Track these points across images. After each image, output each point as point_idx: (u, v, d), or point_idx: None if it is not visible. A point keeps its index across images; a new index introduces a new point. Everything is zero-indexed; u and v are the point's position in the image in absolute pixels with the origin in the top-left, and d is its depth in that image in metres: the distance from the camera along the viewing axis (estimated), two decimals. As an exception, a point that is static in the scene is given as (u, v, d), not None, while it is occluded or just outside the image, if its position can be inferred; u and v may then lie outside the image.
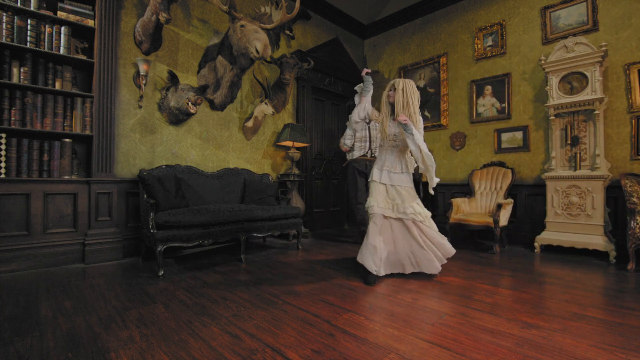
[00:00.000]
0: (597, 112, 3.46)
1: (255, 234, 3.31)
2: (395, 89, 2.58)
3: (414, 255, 2.59)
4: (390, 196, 2.59)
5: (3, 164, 2.68)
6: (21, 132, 2.79)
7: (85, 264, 2.97)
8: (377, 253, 2.51)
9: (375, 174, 2.69)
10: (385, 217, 2.58)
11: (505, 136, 4.47)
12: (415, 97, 2.56)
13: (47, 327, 1.68)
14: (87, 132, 3.06)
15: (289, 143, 4.50)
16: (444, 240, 2.63)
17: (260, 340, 1.56)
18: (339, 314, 1.89)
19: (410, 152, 2.57)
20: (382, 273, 2.55)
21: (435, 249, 2.63)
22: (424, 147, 2.44)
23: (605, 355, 1.46)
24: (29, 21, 2.80)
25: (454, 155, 5.00)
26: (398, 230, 2.60)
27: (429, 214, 2.63)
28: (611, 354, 1.47)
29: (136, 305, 2.00)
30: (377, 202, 2.57)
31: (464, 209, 4.20)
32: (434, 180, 2.51)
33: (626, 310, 2.01)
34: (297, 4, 3.57)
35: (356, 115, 2.78)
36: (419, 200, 2.62)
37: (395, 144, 2.66)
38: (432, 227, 2.64)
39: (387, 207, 2.57)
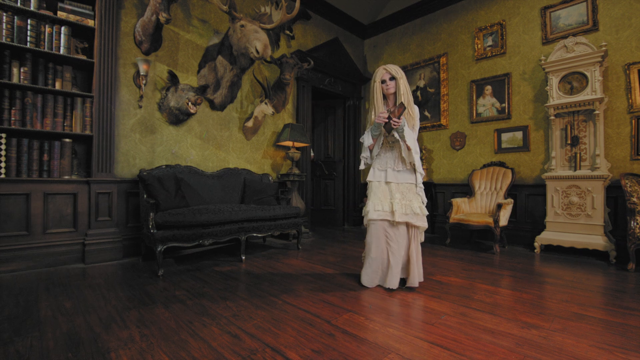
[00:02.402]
0: (597, 112, 3.46)
1: (255, 234, 3.30)
2: (394, 78, 2.33)
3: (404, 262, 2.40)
4: (397, 196, 2.33)
5: (3, 164, 2.68)
6: (21, 132, 2.79)
7: (85, 264, 2.97)
8: (379, 266, 2.37)
9: (377, 174, 2.46)
10: (392, 222, 2.34)
11: (505, 136, 4.47)
12: (408, 85, 2.40)
13: (47, 327, 1.68)
14: (87, 132, 3.05)
15: (289, 143, 4.50)
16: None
17: (260, 340, 1.56)
18: (339, 314, 1.89)
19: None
20: (375, 284, 2.40)
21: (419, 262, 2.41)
22: (414, 147, 2.31)
23: (605, 355, 1.46)
24: (29, 21, 2.80)
25: (454, 155, 5.00)
26: (402, 235, 2.36)
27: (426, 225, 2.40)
28: (611, 354, 1.47)
29: (136, 305, 2.00)
30: (383, 205, 2.33)
31: (464, 209, 4.20)
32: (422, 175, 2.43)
33: (626, 310, 2.01)
34: (297, 4, 3.57)
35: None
36: (424, 199, 2.40)
37: (395, 140, 2.40)
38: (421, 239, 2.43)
39: (392, 210, 2.30)
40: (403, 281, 2.44)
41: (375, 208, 2.33)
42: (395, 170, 2.39)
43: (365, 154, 2.49)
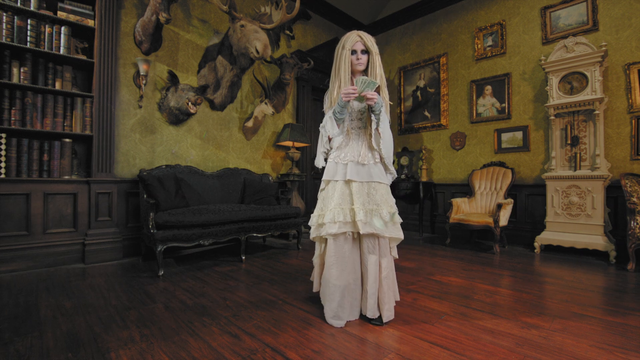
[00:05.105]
0: (597, 112, 3.46)
1: (255, 234, 3.30)
2: (368, 52, 1.81)
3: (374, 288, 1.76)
4: (361, 199, 1.76)
5: (3, 164, 2.68)
6: (21, 132, 2.79)
7: (85, 264, 2.97)
8: (345, 295, 1.76)
9: (334, 170, 1.85)
10: (347, 235, 1.79)
11: (505, 136, 4.47)
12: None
13: (47, 327, 1.68)
14: (87, 132, 3.06)
15: (289, 143, 4.50)
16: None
17: (260, 340, 1.56)
18: (339, 314, 1.89)
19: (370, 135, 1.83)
20: (345, 319, 1.76)
21: (394, 286, 1.85)
22: (389, 137, 1.82)
23: (605, 355, 1.46)
24: (29, 21, 2.80)
25: (454, 155, 5.00)
26: (365, 250, 1.78)
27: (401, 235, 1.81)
28: (611, 354, 1.47)
29: (136, 305, 2.00)
30: (345, 214, 1.75)
31: (464, 209, 4.20)
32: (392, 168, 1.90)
33: (626, 310, 2.01)
34: (297, 4, 3.57)
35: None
36: (394, 204, 1.83)
37: (362, 125, 1.87)
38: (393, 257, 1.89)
39: (355, 218, 1.72)
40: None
41: (335, 219, 1.74)
42: (360, 164, 1.81)
43: (324, 146, 1.89)
